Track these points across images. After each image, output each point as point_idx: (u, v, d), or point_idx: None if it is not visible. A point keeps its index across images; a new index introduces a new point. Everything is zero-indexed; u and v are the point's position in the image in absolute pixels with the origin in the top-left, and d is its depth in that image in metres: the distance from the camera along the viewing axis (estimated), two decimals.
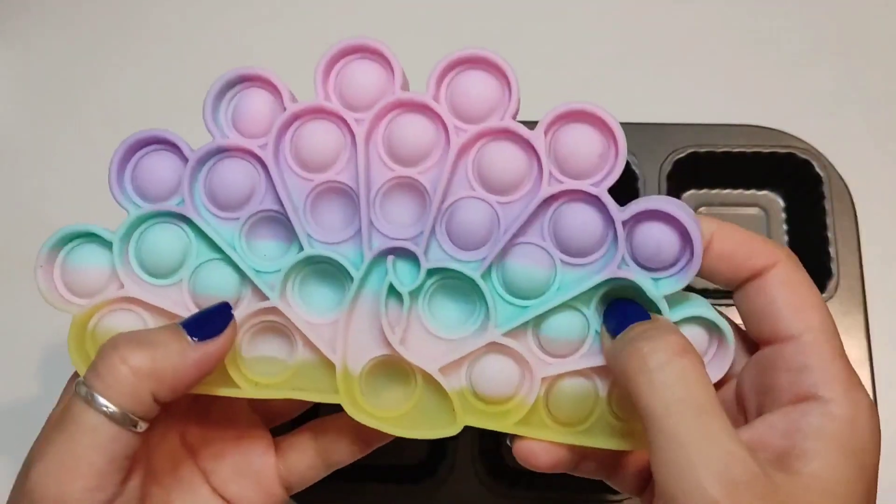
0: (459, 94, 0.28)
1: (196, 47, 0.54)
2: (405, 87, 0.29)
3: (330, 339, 0.29)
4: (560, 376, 0.29)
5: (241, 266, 0.29)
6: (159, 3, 0.55)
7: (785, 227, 0.47)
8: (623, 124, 0.46)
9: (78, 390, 0.26)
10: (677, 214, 0.27)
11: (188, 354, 0.27)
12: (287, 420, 0.34)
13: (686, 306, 0.28)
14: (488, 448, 0.41)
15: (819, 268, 0.44)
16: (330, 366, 0.29)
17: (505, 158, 0.28)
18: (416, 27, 0.53)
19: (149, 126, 0.48)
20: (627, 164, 0.45)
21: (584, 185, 0.28)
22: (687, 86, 0.51)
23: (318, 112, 0.28)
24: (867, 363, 0.42)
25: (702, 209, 0.48)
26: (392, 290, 0.29)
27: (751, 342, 0.29)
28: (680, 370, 0.25)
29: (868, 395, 0.26)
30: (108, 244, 0.29)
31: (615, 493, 0.40)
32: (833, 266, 0.43)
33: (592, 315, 0.29)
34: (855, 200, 0.44)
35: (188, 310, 0.29)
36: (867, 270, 0.44)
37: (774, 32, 0.52)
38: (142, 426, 0.26)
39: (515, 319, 0.29)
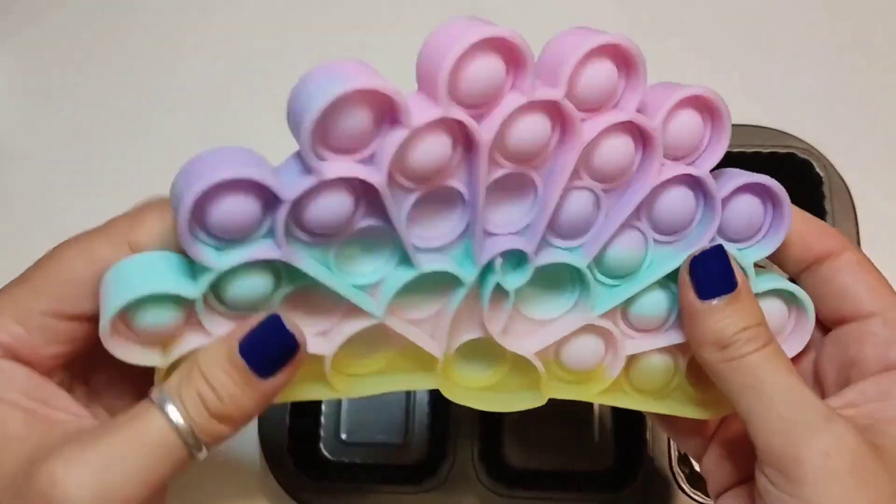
0: (581, 86, 0.25)
1: (196, 47, 0.54)
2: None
3: (429, 332, 0.28)
4: (643, 352, 0.30)
5: (339, 289, 0.25)
6: (159, 3, 0.55)
7: None
8: None
9: (154, 396, 0.24)
10: (768, 183, 0.28)
11: (250, 395, 0.25)
12: None
13: (764, 279, 0.29)
14: (489, 448, 0.41)
15: None
16: (425, 355, 0.28)
17: (620, 149, 0.26)
18: (416, 27, 0.53)
19: (148, 124, 0.47)
20: None
21: (688, 168, 0.27)
22: None
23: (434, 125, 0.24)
24: None
25: None
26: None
27: (820, 323, 0.30)
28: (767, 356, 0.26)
29: None
30: (178, 299, 0.24)
31: (614, 492, 0.40)
32: None
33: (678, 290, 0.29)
34: (855, 200, 0.44)
35: None
36: None
37: (775, 32, 0.52)
38: (202, 454, 0.24)
39: (611, 301, 0.29)
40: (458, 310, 0.28)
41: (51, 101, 0.53)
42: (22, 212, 0.50)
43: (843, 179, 0.44)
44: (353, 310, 0.26)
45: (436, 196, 0.26)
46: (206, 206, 0.23)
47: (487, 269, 0.27)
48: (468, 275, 0.27)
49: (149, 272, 0.24)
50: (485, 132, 0.24)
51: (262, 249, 0.24)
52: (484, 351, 0.29)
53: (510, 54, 0.24)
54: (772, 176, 0.45)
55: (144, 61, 0.53)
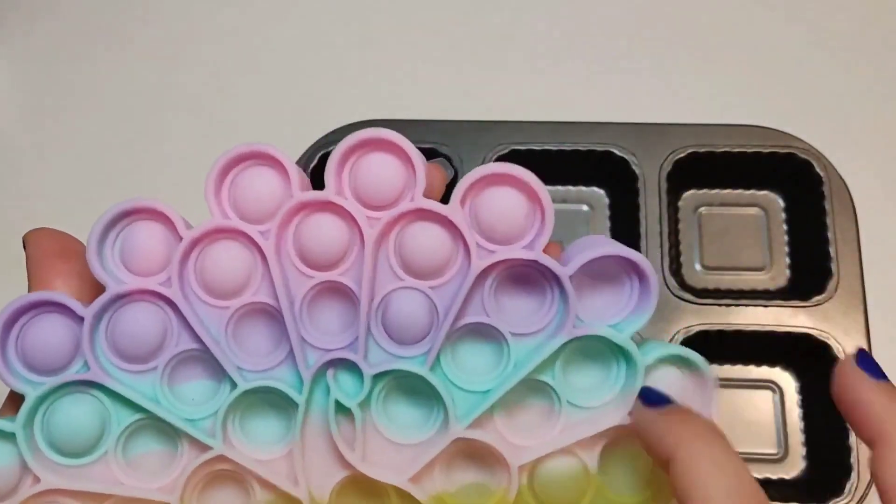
0: (362, 182, 0.25)
1: (196, 46, 0.53)
2: (305, 187, 0.26)
3: (288, 472, 0.26)
4: (541, 459, 0.26)
5: (172, 420, 0.25)
6: (161, 3, 0.55)
7: (785, 227, 0.47)
8: (623, 124, 0.46)
9: None
10: (623, 253, 0.25)
11: None
12: None
13: (651, 347, 0.26)
14: None
15: (819, 268, 0.43)
16: (295, 501, 0.26)
17: (425, 240, 0.25)
18: (415, 27, 0.53)
19: (149, 124, 0.46)
20: (627, 163, 0.45)
21: (516, 250, 0.25)
22: (687, 86, 0.51)
23: (218, 233, 0.25)
24: None
25: (702, 209, 0.48)
26: (340, 406, 0.25)
27: None
28: None
29: None
30: (8, 436, 0.25)
31: None
32: (833, 266, 0.42)
33: (560, 384, 0.26)
34: (855, 200, 0.44)
35: (120, 483, 0.25)
36: (867, 270, 0.42)
37: (775, 32, 0.51)
38: None
39: (477, 409, 0.25)
40: (312, 442, 0.26)
41: (52, 101, 0.52)
42: (23, 211, 0.50)
43: (843, 179, 0.44)
44: (197, 453, 0.26)
45: (256, 315, 0.26)
46: (23, 334, 0.25)
47: (324, 388, 0.26)
48: (299, 393, 0.25)
49: None
50: (265, 238, 0.25)
51: (73, 375, 0.25)
52: (367, 494, 0.26)
53: (279, 165, 0.25)
54: (771, 176, 0.46)
55: (146, 62, 0.53)
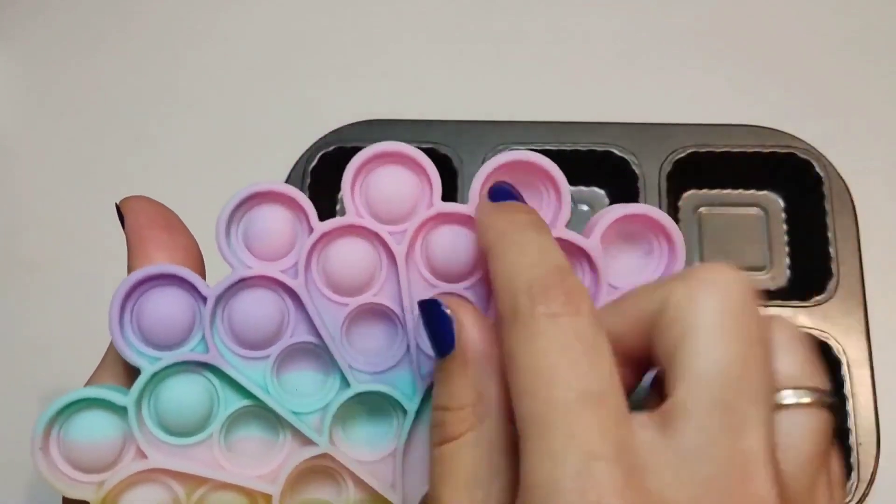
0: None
1: (196, 47, 0.53)
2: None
3: (385, 476, 0.25)
4: None
5: (279, 411, 0.25)
6: (159, 2, 0.55)
7: (785, 227, 0.47)
8: (623, 124, 0.46)
9: None
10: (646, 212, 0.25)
11: None
12: None
13: None
14: None
15: (819, 268, 0.44)
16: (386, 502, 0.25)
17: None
18: (415, 27, 0.53)
19: (150, 124, 0.46)
20: (627, 163, 0.45)
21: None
22: (687, 86, 0.50)
23: (349, 229, 0.25)
24: (867, 363, 0.40)
25: (702, 209, 0.48)
26: None
27: None
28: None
29: None
30: (114, 407, 0.24)
31: None
32: (833, 266, 0.42)
33: None
34: (855, 200, 0.44)
35: (222, 468, 0.25)
36: (867, 270, 0.43)
37: (775, 32, 0.51)
38: None
39: None
40: (415, 449, 0.25)
41: (53, 100, 0.52)
42: (24, 212, 0.50)
43: (843, 179, 0.44)
44: (298, 445, 0.25)
45: (374, 315, 0.26)
46: (140, 305, 0.24)
47: None
48: (410, 401, 0.25)
49: (90, 389, 0.24)
50: (397, 242, 0.25)
51: (190, 354, 0.24)
52: None
53: (417, 167, 0.25)
54: (771, 176, 0.46)
55: (146, 62, 0.53)
